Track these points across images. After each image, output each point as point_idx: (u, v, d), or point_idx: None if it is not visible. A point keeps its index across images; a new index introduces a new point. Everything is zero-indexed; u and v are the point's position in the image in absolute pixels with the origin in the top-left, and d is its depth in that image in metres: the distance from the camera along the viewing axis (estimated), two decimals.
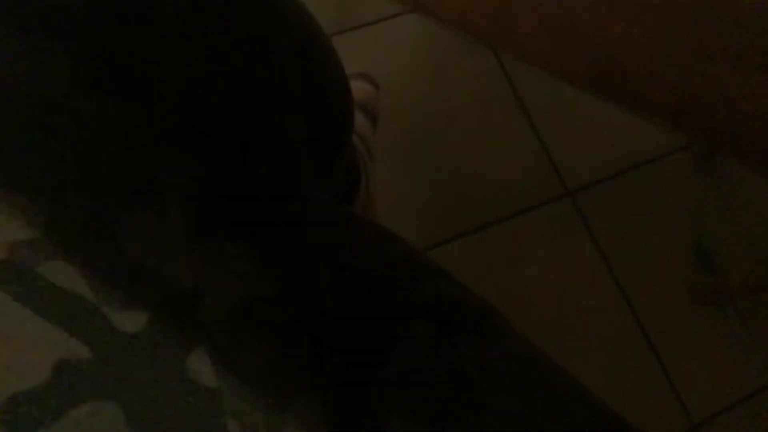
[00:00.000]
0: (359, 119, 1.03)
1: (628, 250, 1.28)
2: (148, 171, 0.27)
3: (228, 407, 0.25)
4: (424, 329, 0.34)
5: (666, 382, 1.21)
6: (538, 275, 1.23)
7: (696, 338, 1.25)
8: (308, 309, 0.30)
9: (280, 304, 0.29)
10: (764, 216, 1.34)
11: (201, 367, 0.25)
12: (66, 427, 0.23)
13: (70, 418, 0.23)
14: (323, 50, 0.46)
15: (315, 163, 0.42)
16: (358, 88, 1.09)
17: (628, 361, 1.22)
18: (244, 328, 0.27)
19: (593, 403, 0.34)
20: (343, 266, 0.36)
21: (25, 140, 0.25)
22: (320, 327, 0.31)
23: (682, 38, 0.18)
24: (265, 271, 0.29)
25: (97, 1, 0.27)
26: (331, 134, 0.49)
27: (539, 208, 1.27)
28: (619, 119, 1.35)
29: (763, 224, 1.33)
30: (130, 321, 0.25)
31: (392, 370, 0.32)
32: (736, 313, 1.27)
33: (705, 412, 1.21)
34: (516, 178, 1.28)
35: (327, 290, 0.32)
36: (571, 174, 1.30)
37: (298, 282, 0.30)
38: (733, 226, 1.33)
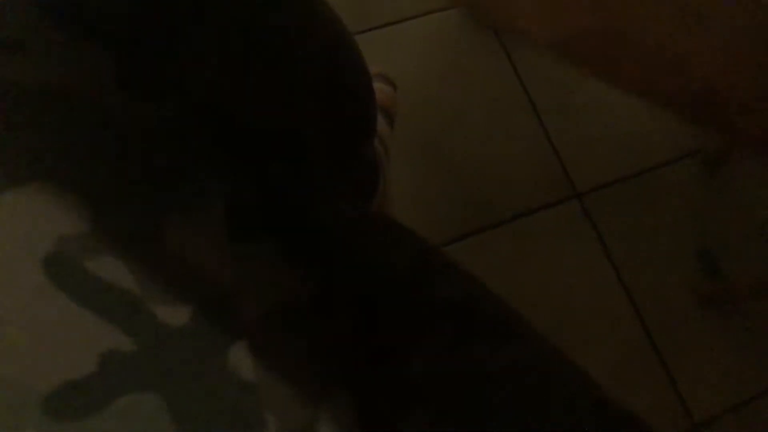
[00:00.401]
0: (378, 120, 1.04)
1: (634, 252, 1.28)
2: (192, 170, 0.27)
3: (266, 401, 0.26)
4: (443, 332, 0.34)
5: (669, 384, 1.22)
6: (544, 276, 1.24)
7: (700, 341, 1.25)
8: (336, 311, 0.31)
9: (312, 304, 0.30)
10: None
11: (241, 361, 0.26)
12: (110, 418, 0.24)
13: (115, 408, 0.24)
14: (350, 50, 0.47)
15: (337, 162, 0.43)
16: (377, 89, 1.09)
17: (632, 362, 1.22)
18: (279, 327, 0.28)
19: (616, 413, 0.34)
20: (367, 267, 0.36)
21: (73, 140, 0.25)
22: (348, 329, 0.31)
23: None
24: (298, 272, 0.30)
25: (141, 6, 0.28)
26: (353, 134, 0.49)
27: (547, 210, 1.27)
28: (629, 124, 1.36)
29: None
30: (174, 315, 0.25)
31: (412, 374, 0.32)
32: (740, 316, 1.27)
33: (707, 414, 1.21)
34: (525, 179, 1.28)
35: (354, 293, 0.33)
36: (580, 176, 1.31)
37: (325, 284, 0.31)
38: (739, 230, 1.33)
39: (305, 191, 0.33)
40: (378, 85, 1.10)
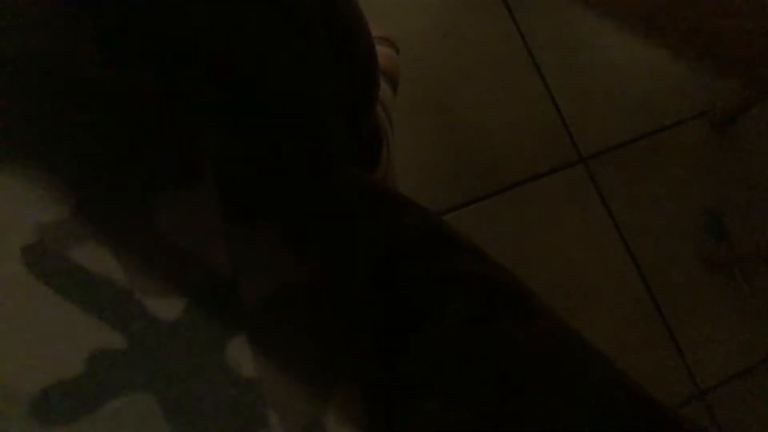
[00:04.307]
0: (381, 86, 1.01)
1: (640, 216, 1.26)
2: (182, 147, 0.25)
3: (268, 397, 0.24)
4: (459, 310, 0.33)
5: (674, 348, 1.22)
6: (549, 241, 1.22)
7: (705, 305, 1.25)
8: (346, 292, 0.29)
9: (318, 289, 0.28)
10: None
11: (241, 356, 0.24)
12: (101, 421, 0.22)
13: (105, 411, 0.22)
14: (349, 11, 0.44)
15: (342, 130, 0.41)
16: (380, 53, 1.06)
17: (637, 327, 1.22)
18: (282, 314, 0.26)
19: (630, 387, 0.33)
20: (377, 244, 0.34)
21: (54, 117, 0.23)
22: (357, 310, 0.30)
23: None
24: (301, 253, 0.28)
25: None
26: (357, 100, 0.47)
27: (552, 174, 1.25)
28: (636, 85, 1.33)
29: None
30: (167, 308, 0.23)
31: (427, 352, 0.31)
32: (746, 280, 1.27)
33: (712, 379, 1.22)
34: (530, 143, 1.26)
35: (363, 271, 0.31)
36: (585, 140, 1.28)
37: (334, 264, 0.29)
38: (746, 193, 1.31)
39: (318, 158, 0.31)
40: (381, 49, 1.07)
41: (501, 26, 1.31)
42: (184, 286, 0.24)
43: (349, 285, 0.30)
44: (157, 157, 0.25)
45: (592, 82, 1.31)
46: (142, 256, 0.24)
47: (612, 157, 1.28)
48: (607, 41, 1.33)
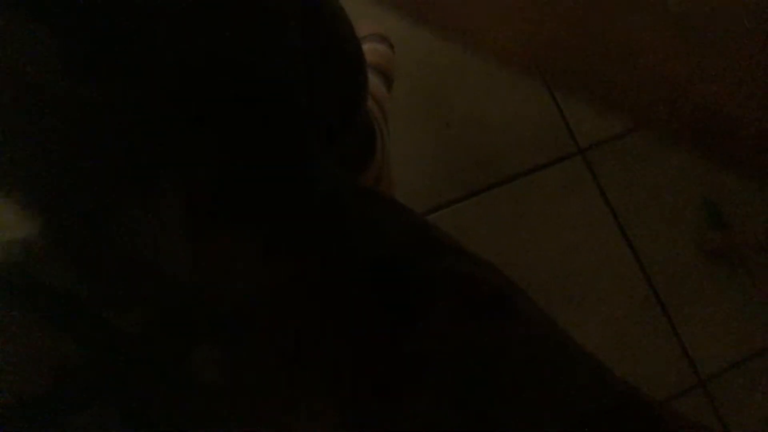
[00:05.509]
0: (374, 82, 1.00)
1: (638, 206, 1.26)
2: (143, 159, 0.25)
3: (233, 408, 0.25)
4: (442, 309, 0.33)
5: (674, 338, 1.22)
6: (548, 233, 1.22)
7: (705, 294, 1.25)
8: (322, 297, 0.29)
9: (291, 295, 0.28)
10: None
11: (205, 367, 0.24)
12: None
13: (70, 425, 0.23)
14: (329, 9, 0.44)
15: (327, 130, 0.41)
16: (373, 50, 1.06)
17: (637, 317, 1.22)
18: (252, 322, 0.26)
19: (614, 386, 0.33)
20: (356, 245, 0.34)
21: (16, 130, 0.23)
22: (333, 315, 0.30)
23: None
24: (274, 258, 0.28)
25: None
26: (342, 98, 0.47)
27: (550, 166, 1.25)
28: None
29: None
30: (130, 321, 0.24)
31: (408, 353, 0.31)
32: (745, 269, 1.26)
33: (713, 368, 1.22)
34: (527, 135, 1.26)
35: (340, 274, 0.31)
36: (582, 131, 1.28)
37: (309, 268, 0.29)
38: (744, 183, 1.31)
39: (289, 159, 0.31)
40: (373, 45, 1.07)
41: None
42: (147, 300, 0.24)
43: (331, 287, 0.30)
44: (119, 170, 0.25)
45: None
46: (105, 271, 0.24)
47: (610, 147, 1.28)
48: None
